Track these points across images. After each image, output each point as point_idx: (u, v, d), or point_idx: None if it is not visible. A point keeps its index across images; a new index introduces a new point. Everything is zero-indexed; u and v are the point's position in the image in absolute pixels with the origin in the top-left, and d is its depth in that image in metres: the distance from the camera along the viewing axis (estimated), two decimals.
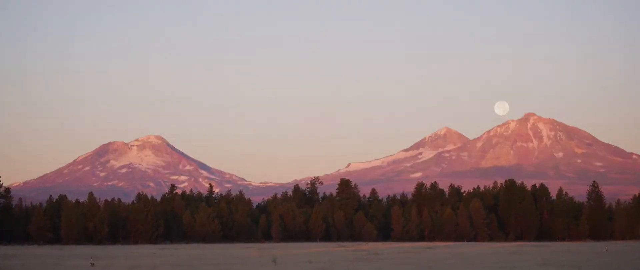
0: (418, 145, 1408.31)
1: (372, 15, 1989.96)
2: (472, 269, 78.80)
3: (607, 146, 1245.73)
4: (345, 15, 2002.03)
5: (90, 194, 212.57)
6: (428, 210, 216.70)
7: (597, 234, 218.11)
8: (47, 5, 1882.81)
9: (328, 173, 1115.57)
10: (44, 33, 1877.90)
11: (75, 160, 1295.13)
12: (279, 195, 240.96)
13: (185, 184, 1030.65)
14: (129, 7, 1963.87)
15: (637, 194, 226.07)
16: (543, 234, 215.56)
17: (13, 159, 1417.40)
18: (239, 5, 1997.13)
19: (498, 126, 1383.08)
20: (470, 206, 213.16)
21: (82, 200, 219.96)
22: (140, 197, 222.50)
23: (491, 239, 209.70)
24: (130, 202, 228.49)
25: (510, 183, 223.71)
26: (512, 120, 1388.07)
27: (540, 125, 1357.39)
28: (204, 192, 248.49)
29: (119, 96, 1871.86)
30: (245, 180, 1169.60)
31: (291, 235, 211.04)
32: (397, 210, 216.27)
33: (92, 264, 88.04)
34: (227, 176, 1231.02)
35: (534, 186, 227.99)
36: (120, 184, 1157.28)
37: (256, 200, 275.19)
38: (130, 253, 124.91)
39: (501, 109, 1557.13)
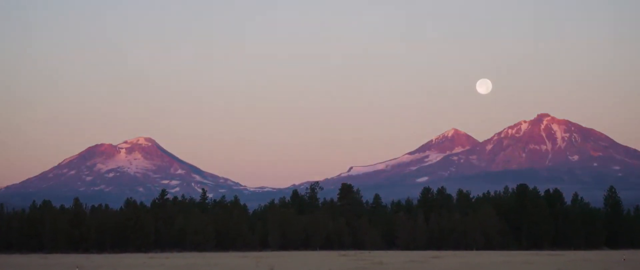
0: (424, 148, 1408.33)
1: (373, 13, 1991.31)
2: None
3: (626, 149, 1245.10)
4: (345, 14, 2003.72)
5: (76, 200, 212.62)
6: (435, 216, 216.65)
7: (614, 242, 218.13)
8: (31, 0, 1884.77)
9: (329, 177, 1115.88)
10: (26, 29, 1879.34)
11: (60, 163, 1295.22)
12: (276, 201, 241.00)
13: (177, 189, 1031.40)
14: (117, 2, 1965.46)
15: None
16: (557, 242, 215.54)
17: None
18: (237, 5, 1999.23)
19: (509, 127, 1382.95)
20: (480, 212, 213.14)
21: (67, 206, 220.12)
22: (129, 203, 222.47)
23: (502, 247, 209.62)
24: (119, 208, 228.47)
25: (523, 188, 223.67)
26: (524, 121, 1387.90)
27: (554, 127, 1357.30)
28: (197, 197, 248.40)
29: (106, 95, 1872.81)
30: (241, 185, 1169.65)
31: (290, 243, 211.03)
32: (402, 217, 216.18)
33: None
34: (221, 181, 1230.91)
35: (547, 191, 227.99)
36: (108, 189, 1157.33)
37: (252, 206, 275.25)
38: (119, 262, 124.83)
39: (484, 87, 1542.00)
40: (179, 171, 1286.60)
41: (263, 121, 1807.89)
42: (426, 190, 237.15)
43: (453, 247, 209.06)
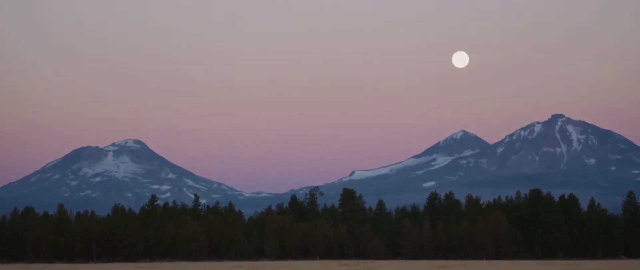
0: (431, 151, 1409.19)
1: (378, 8, 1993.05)
2: None
3: None
4: (348, 9, 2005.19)
5: (61, 206, 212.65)
6: (442, 223, 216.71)
7: (633, 250, 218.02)
8: None
9: (329, 182, 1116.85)
10: (7, 27, 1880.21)
11: (43, 167, 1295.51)
12: (273, 207, 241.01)
13: (168, 194, 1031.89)
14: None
15: None
16: (573, 251, 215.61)
17: None
18: (232, 4, 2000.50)
19: (521, 129, 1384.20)
20: (490, 219, 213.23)
21: (51, 212, 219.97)
22: (117, 210, 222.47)
23: (514, 256, 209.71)
24: (106, 215, 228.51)
25: (536, 193, 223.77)
26: (538, 122, 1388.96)
27: (569, 128, 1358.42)
28: (189, 203, 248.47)
29: (93, 95, 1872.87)
30: (236, 190, 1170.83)
31: (288, 252, 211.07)
32: (408, 224, 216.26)
33: None
34: (215, 185, 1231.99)
35: (562, 197, 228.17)
36: (94, 195, 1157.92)
37: (248, 212, 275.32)
38: None
39: (460, 60, 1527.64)
40: (170, 175, 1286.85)
41: (259, 122, 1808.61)
42: (433, 196, 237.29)
43: (462, 257, 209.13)
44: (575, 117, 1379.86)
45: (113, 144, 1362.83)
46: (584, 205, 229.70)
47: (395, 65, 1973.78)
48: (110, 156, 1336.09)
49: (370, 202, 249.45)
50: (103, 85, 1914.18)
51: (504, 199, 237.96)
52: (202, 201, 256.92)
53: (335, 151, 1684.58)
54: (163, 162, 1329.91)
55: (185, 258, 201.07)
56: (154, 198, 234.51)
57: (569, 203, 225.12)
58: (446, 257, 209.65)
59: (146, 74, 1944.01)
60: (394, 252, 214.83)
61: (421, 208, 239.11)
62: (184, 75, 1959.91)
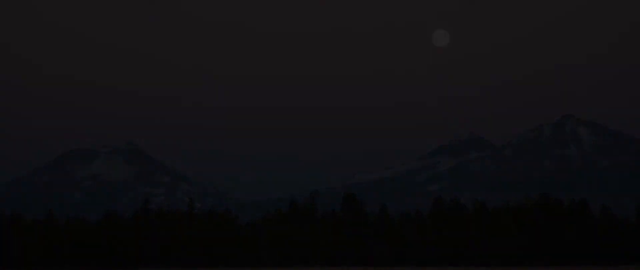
0: (435, 153, 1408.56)
1: (378, 7, 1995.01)
2: None
3: None
4: (345, 9, 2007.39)
5: (50, 211, 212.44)
6: (447, 229, 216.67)
7: None
8: None
9: (330, 186, 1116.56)
10: None
11: (30, 170, 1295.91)
12: (272, 212, 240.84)
13: (162, 197, 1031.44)
14: None
15: None
16: (584, 259, 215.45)
17: None
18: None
19: (530, 130, 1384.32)
20: (497, 225, 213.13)
21: (39, 217, 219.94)
22: (108, 214, 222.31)
23: (523, 263, 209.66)
24: (96, 221, 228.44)
25: (545, 198, 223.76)
26: (547, 124, 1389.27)
27: (580, 130, 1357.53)
28: (184, 207, 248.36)
29: (83, 94, 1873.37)
30: (233, 194, 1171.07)
31: (286, 259, 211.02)
32: (411, 230, 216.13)
33: None
34: (210, 189, 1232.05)
35: (572, 201, 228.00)
36: (84, 198, 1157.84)
37: (245, 217, 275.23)
38: None
39: (440, 39, 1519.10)
40: (164, 178, 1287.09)
41: (257, 123, 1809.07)
42: (437, 200, 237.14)
43: (468, 263, 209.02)
44: (585, 118, 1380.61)
45: (104, 146, 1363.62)
46: (595, 210, 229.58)
47: (399, 65, 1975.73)
48: (101, 158, 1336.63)
49: (372, 207, 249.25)
50: (95, 85, 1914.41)
51: (511, 204, 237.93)
52: (197, 205, 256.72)
53: (336, 154, 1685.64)
54: (156, 165, 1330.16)
55: (180, 265, 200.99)
56: (146, 202, 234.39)
57: (580, 208, 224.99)
58: (452, 264, 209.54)
59: (140, 74, 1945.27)
60: (397, 259, 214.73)
61: (425, 213, 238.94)
62: (177, 75, 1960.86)
